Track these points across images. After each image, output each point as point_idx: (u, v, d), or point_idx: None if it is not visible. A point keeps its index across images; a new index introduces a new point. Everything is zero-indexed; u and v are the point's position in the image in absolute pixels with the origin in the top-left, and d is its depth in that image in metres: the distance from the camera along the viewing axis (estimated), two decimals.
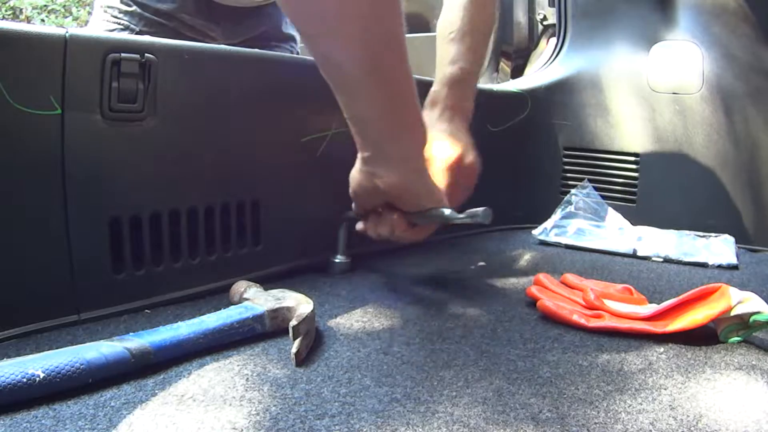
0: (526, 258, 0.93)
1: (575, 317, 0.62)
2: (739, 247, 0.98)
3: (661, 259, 0.94)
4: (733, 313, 0.56)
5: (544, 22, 1.30)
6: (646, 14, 1.13)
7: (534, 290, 0.69)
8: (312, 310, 0.56)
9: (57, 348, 0.47)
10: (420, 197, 0.63)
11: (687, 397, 0.47)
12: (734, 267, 0.89)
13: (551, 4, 1.28)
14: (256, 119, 0.71)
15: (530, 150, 1.17)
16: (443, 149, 0.72)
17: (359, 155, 0.62)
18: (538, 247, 1.01)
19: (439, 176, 0.70)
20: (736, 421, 0.43)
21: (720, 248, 0.95)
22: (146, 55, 0.60)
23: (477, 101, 0.79)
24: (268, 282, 0.67)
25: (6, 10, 4.37)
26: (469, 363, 0.53)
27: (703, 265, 0.90)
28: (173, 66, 0.62)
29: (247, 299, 0.60)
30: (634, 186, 1.12)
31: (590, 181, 1.13)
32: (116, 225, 0.60)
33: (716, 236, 1.00)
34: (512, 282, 0.79)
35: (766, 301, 0.57)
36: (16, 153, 0.54)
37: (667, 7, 1.11)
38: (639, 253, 0.95)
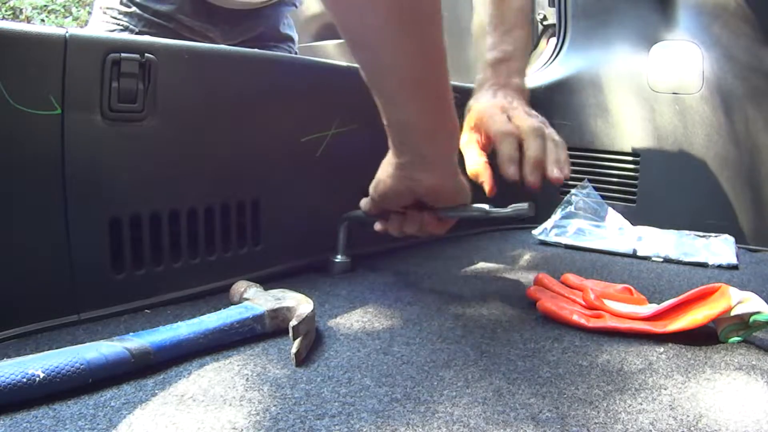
0: (526, 258, 0.93)
1: (575, 317, 0.62)
2: (739, 247, 0.98)
3: (661, 259, 0.93)
4: (733, 313, 0.56)
5: (544, 22, 1.30)
6: (646, 14, 1.13)
7: (534, 290, 0.69)
8: (312, 310, 0.56)
9: (57, 348, 0.47)
10: (456, 195, 0.64)
11: (687, 397, 0.47)
12: (734, 267, 0.89)
13: (551, 4, 1.28)
14: (256, 119, 0.71)
15: None
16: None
17: (393, 160, 0.62)
18: (538, 247, 1.01)
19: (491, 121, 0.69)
20: (736, 421, 0.43)
21: (720, 248, 0.95)
22: (146, 55, 0.60)
23: None
24: (268, 282, 0.67)
25: (6, 10, 4.36)
26: (469, 363, 0.53)
27: (703, 265, 0.90)
28: (173, 66, 0.62)
29: (247, 299, 0.60)
30: (634, 186, 1.12)
31: (590, 181, 1.13)
32: (116, 225, 0.60)
33: (716, 236, 1.00)
34: (512, 282, 0.79)
35: (766, 301, 0.57)
36: (16, 153, 0.54)
37: (667, 7, 1.11)
38: (639, 253, 0.95)
